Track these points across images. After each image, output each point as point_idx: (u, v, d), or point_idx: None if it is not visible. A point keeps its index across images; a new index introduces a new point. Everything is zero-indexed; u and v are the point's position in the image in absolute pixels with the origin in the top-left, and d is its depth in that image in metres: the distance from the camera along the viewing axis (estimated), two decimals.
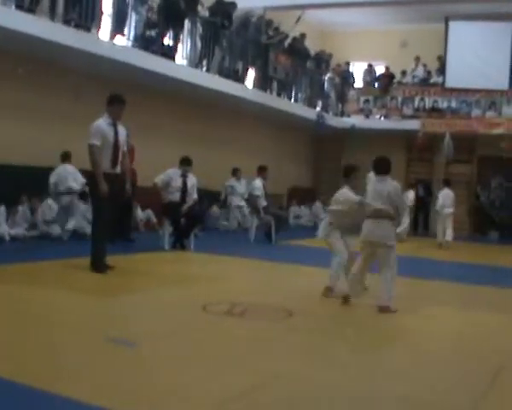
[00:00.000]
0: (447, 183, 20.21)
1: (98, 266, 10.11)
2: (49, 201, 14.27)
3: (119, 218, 14.26)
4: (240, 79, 19.96)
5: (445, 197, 19.65)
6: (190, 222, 14.31)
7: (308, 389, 5.22)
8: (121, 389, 4.96)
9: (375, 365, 6.22)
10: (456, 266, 15.78)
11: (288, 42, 22.51)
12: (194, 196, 14.52)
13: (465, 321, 8.56)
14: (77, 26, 13.79)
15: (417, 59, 26.86)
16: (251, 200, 17.90)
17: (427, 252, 18.09)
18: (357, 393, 5.24)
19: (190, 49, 17.98)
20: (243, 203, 19.62)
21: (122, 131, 10.54)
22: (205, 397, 4.87)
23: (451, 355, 6.74)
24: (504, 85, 24.77)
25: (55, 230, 14.24)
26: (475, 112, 24.83)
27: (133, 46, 15.94)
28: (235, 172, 19.58)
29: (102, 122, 10.26)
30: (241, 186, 19.56)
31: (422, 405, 5.10)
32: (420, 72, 26.85)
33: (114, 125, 10.33)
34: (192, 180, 14.49)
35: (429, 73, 26.70)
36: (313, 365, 5.98)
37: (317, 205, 25.11)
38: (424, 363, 6.34)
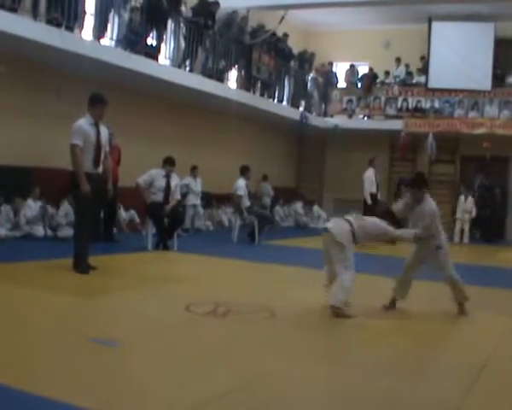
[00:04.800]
0: None
1: (81, 266, 10.08)
2: (30, 201, 14.25)
3: (103, 218, 14.28)
4: (223, 79, 19.95)
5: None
6: (173, 222, 14.30)
7: (291, 389, 5.24)
8: (102, 389, 4.97)
9: (359, 364, 6.24)
10: None
11: (271, 41, 22.46)
12: (177, 196, 14.52)
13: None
14: (59, 25, 13.73)
15: (398, 60, 26.88)
16: (234, 200, 17.87)
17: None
18: (340, 393, 5.27)
19: (173, 49, 17.95)
20: (198, 202, 19.53)
21: (104, 131, 10.52)
22: (186, 398, 4.88)
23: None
24: (487, 86, 24.88)
25: (38, 230, 14.21)
26: (458, 112, 24.91)
27: (116, 46, 15.90)
28: (193, 170, 19.37)
29: (84, 122, 10.23)
30: (197, 185, 19.40)
31: (401, 402, 5.12)
32: (401, 72, 26.88)
33: (96, 126, 10.31)
34: (175, 180, 14.49)
35: (411, 73, 26.75)
36: (296, 365, 5.99)
37: (299, 205, 25.16)
38: (399, 359, 6.37)
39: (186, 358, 5.95)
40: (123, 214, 16.75)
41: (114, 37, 15.97)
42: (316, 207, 25.58)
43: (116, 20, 16.01)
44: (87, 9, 15.21)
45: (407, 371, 6.10)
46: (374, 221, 8.81)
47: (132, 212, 17.11)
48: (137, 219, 17.06)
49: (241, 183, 17.46)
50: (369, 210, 20.20)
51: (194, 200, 19.24)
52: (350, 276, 8.20)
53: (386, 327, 7.93)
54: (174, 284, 10.21)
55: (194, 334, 6.98)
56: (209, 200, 20.51)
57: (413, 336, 7.63)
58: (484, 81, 24.86)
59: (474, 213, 22.29)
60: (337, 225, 8.57)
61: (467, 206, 22.31)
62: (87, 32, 15.33)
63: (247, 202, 17.61)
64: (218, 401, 4.88)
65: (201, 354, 6.13)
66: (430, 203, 8.69)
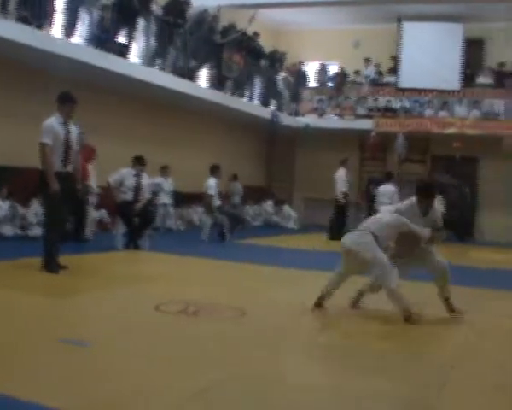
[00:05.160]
0: (388, 177, 19.63)
1: (50, 266, 10.04)
2: None
3: (73, 217, 14.21)
4: (194, 78, 19.91)
5: (381, 193, 18.91)
6: (144, 221, 14.27)
7: (262, 387, 5.25)
8: (73, 389, 4.94)
9: (329, 361, 6.27)
10: None
11: (242, 40, 22.42)
12: (147, 195, 14.50)
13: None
14: (29, 23, 13.63)
15: (367, 60, 26.97)
16: (205, 199, 17.85)
17: None
18: (310, 389, 5.28)
19: (144, 47, 17.89)
20: (169, 201, 19.51)
21: (74, 130, 10.48)
22: (158, 398, 4.86)
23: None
24: (456, 86, 25.07)
25: (7, 230, 14.13)
26: (428, 112, 25.07)
27: (86, 44, 15.81)
28: (163, 170, 19.34)
29: (54, 121, 10.18)
30: (168, 184, 19.38)
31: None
32: (371, 72, 26.98)
33: (66, 124, 10.26)
34: (145, 180, 14.47)
35: (381, 73, 26.86)
36: (267, 363, 6.01)
37: (269, 204, 25.19)
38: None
39: (157, 357, 5.94)
40: (93, 213, 16.67)
41: (85, 35, 15.87)
42: (286, 207, 25.60)
43: (87, 17, 15.92)
44: (56, 7, 15.10)
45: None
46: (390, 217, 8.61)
47: (103, 211, 17.04)
48: (108, 219, 16.99)
49: (212, 182, 17.46)
50: (341, 208, 20.32)
51: (164, 199, 19.22)
52: (389, 282, 7.98)
53: (348, 322, 7.98)
54: (144, 283, 10.18)
55: (164, 333, 6.97)
56: (180, 199, 20.47)
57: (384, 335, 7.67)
58: (453, 81, 25.06)
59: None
60: (356, 239, 8.42)
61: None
62: (56, 30, 15.21)
63: (217, 202, 17.62)
64: (193, 401, 4.89)
65: (172, 353, 6.14)
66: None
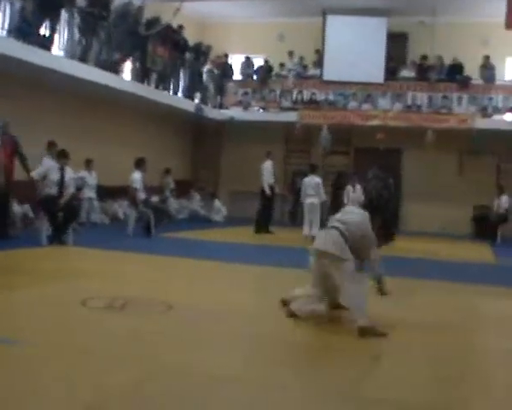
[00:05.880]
0: (313, 168, 19.51)
1: None
2: None
3: None
4: (118, 70, 19.75)
5: (306, 185, 18.72)
6: (68, 216, 14.10)
7: (190, 380, 5.26)
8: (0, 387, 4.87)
9: (253, 354, 6.30)
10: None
11: (166, 33, 22.29)
12: (71, 189, 14.33)
13: None
14: None
15: (291, 53, 27.09)
16: (130, 193, 17.73)
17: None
18: (233, 381, 5.31)
19: (67, 39, 17.68)
20: (94, 195, 19.36)
21: None
22: (85, 394, 4.82)
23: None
24: (380, 79, 25.38)
25: None
26: (352, 104, 25.34)
27: (8, 36, 15.55)
28: (88, 164, 19.17)
29: None
30: (92, 178, 19.23)
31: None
32: (296, 65, 27.11)
33: None
34: (69, 174, 14.30)
35: (305, 66, 27.03)
36: (194, 357, 6.01)
37: (195, 197, 25.14)
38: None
39: (85, 352, 5.89)
40: (17, 209, 16.40)
41: (6, 27, 15.60)
42: (216, 201, 25.58)
43: (8, 9, 15.66)
44: None
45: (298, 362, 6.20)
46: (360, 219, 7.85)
47: (26, 206, 16.77)
48: (31, 214, 16.73)
49: (137, 176, 17.35)
50: (267, 200, 20.41)
51: (89, 193, 19.03)
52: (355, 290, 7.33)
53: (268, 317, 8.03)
54: (70, 279, 10.08)
55: (91, 328, 6.92)
56: (104, 193, 20.27)
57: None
58: (377, 74, 25.36)
59: (361, 201, 22.68)
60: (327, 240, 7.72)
61: (355, 195, 22.67)
62: None
63: (142, 195, 17.52)
64: (121, 395, 4.87)
65: (99, 347, 6.11)
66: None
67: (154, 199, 18.61)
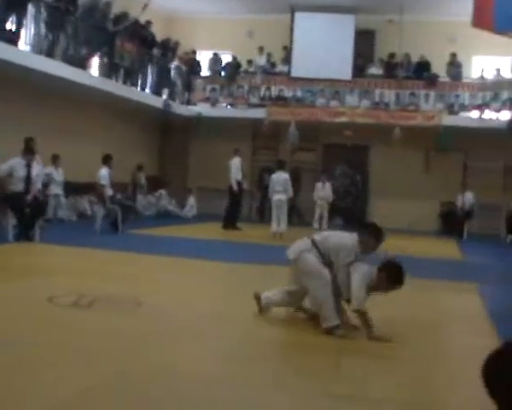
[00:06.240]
0: (280, 165, 19.53)
1: None
2: None
3: None
4: (85, 66, 19.62)
5: (274, 181, 18.75)
6: (35, 213, 13.99)
7: (155, 379, 5.23)
8: None
9: (222, 351, 6.30)
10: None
11: (134, 29, 22.19)
12: (38, 185, 14.22)
13: None
14: None
15: (261, 49, 27.13)
16: (97, 189, 17.64)
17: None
18: (203, 379, 5.30)
19: (34, 34, 17.53)
20: (61, 192, 19.21)
21: None
22: (53, 391, 4.80)
23: None
24: (347, 76, 25.48)
25: None
26: (320, 101, 25.41)
27: None
28: (55, 160, 19.01)
29: None
30: (59, 174, 19.08)
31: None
32: (264, 62, 27.13)
33: None
34: (36, 169, 14.19)
35: (273, 63, 27.05)
36: (162, 354, 6.01)
37: (163, 194, 25.07)
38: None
39: (51, 350, 5.86)
40: None
41: None
42: (191, 198, 25.57)
43: None
44: None
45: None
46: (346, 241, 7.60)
47: None
48: None
49: (104, 172, 17.27)
50: (235, 197, 20.40)
51: (56, 189, 18.88)
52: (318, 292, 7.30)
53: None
54: (37, 275, 10.02)
55: (57, 326, 6.88)
56: (71, 189, 20.13)
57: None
58: (345, 71, 25.47)
59: (330, 199, 22.83)
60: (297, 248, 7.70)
61: (324, 192, 22.79)
62: None
63: (109, 192, 17.43)
64: (89, 393, 4.85)
65: (64, 345, 6.07)
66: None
67: (118, 197, 18.46)
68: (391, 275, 7.16)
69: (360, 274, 7.16)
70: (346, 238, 7.52)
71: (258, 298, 7.90)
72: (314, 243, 7.52)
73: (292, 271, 7.78)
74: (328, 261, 7.39)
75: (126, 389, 5.02)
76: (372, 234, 7.50)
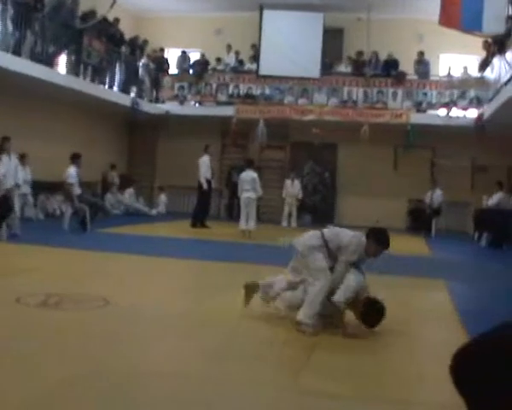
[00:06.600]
0: (249, 163, 19.44)
1: None
2: None
3: None
4: (52, 64, 19.48)
5: (243, 180, 18.75)
6: (2, 211, 13.88)
7: (122, 380, 5.23)
8: None
9: (196, 349, 6.30)
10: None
11: (102, 26, 22.08)
12: (6, 185, 14.12)
13: None
14: None
15: (229, 47, 27.15)
16: (65, 188, 17.54)
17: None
18: (173, 377, 5.29)
19: (0, 32, 17.38)
20: (28, 191, 19.06)
21: None
22: (20, 392, 4.76)
23: None
24: (316, 74, 25.50)
25: None
26: (288, 99, 25.43)
27: None
28: (22, 158, 18.87)
29: None
30: (26, 173, 18.94)
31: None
32: (232, 59, 27.13)
33: None
34: (4, 168, 14.08)
35: (241, 61, 27.05)
36: (135, 353, 6.00)
37: (131, 192, 24.98)
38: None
39: (9, 352, 5.80)
40: None
41: None
42: (162, 195, 25.55)
43: None
44: None
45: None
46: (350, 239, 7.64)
47: None
48: None
49: (72, 171, 17.19)
50: (204, 195, 20.38)
51: (23, 189, 18.73)
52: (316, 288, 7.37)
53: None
54: (4, 275, 9.92)
55: (25, 326, 6.83)
56: (39, 188, 19.99)
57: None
58: (313, 69, 25.47)
59: (300, 196, 22.91)
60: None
61: (293, 190, 22.85)
62: None
63: (78, 190, 17.34)
64: (57, 393, 4.83)
65: (32, 345, 6.02)
66: None
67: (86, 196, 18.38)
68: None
69: (355, 281, 7.33)
70: (357, 237, 7.59)
71: (249, 289, 7.96)
72: (324, 240, 7.57)
73: (296, 261, 7.86)
74: (334, 261, 7.54)
75: (103, 385, 5.01)
76: (379, 241, 7.55)
